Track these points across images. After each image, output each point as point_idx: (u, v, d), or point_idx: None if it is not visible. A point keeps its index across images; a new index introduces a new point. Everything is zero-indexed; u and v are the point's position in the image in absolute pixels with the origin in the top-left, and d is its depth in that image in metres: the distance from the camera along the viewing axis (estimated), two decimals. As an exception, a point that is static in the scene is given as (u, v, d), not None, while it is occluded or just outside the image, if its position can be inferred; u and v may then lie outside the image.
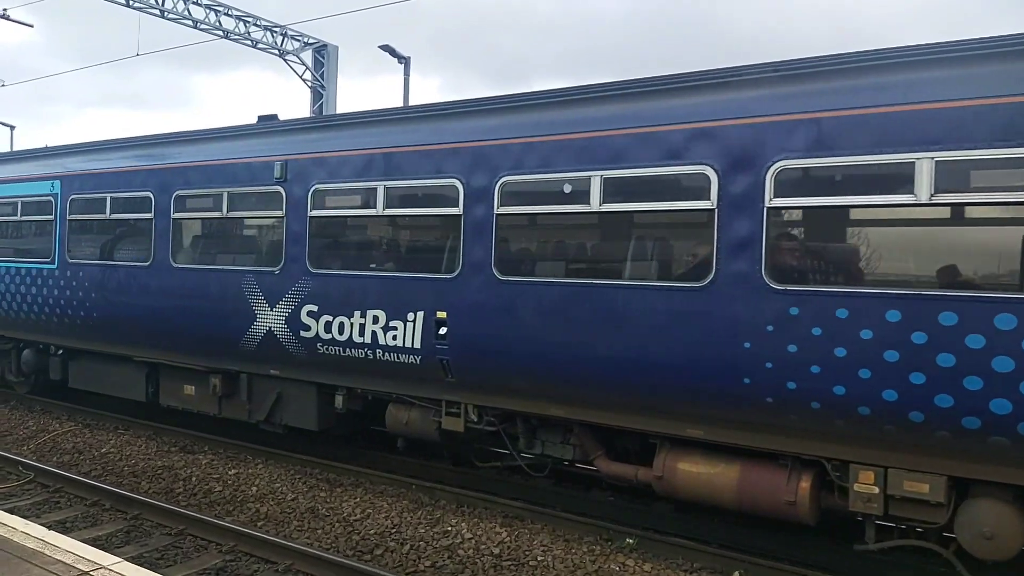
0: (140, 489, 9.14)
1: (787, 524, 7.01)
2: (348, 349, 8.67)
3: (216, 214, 10.16)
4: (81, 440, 11.25)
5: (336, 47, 28.51)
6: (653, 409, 7.01)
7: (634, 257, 7.26)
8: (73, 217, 11.86)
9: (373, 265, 8.90)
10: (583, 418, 7.55)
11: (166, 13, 24.73)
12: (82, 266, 11.56)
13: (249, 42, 26.95)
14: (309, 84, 28.37)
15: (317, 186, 9.04)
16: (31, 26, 26.28)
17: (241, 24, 26.50)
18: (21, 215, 12.79)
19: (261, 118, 10.74)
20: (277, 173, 9.30)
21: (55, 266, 11.98)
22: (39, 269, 12.15)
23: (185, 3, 24.88)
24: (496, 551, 7.26)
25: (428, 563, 7.08)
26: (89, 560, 5.66)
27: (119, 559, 5.83)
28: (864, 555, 7.04)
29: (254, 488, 9.10)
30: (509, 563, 7.03)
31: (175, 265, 10.36)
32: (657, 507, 8.22)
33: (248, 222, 10.30)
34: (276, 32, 27.34)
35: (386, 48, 24.95)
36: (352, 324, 8.60)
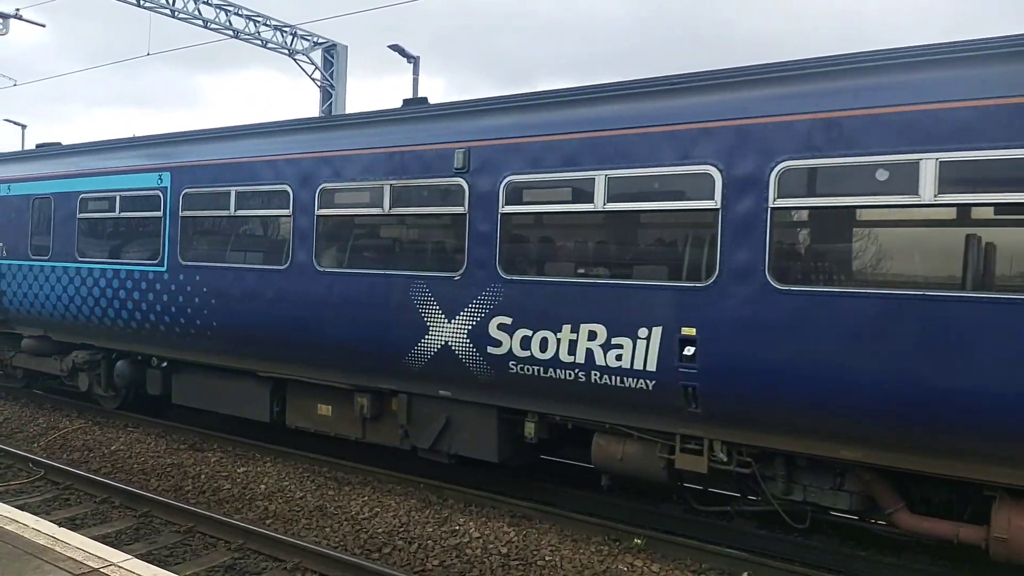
0: (149, 487, 9.18)
1: (794, 528, 7.00)
2: (552, 370, 7.34)
3: (374, 211, 8.77)
4: (91, 438, 11.30)
5: (345, 46, 28.56)
6: (996, 455, 5.62)
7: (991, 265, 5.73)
8: (188, 214, 10.44)
9: (588, 271, 7.61)
10: (891, 464, 6.08)
11: (177, 13, 24.82)
12: (199, 269, 10.17)
13: (259, 42, 27.03)
14: (319, 84, 28.43)
15: (512, 178, 7.67)
16: (43, 26, 26.41)
17: (251, 24, 26.58)
18: (120, 211, 11.30)
19: (408, 102, 9.51)
20: (458, 163, 7.98)
21: (163, 269, 10.57)
22: (143, 272, 10.78)
23: (196, 3, 24.96)
24: (504, 550, 7.26)
25: (436, 562, 7.09)
26: (99, 557, 5.68)
27: (129, 556, 5.85)
28: (872, 557, 7.02)
29: (263, 486, 9.12)
30: (517, 563, 7.03)
31: (320, 269, 9.01)
32: (664, 507, 8.20)
33: (417, 220, 8.88)
34: (286, 32, 27.41)
35: (396, 48, 25.00)
36: (559, 340, 7.27)
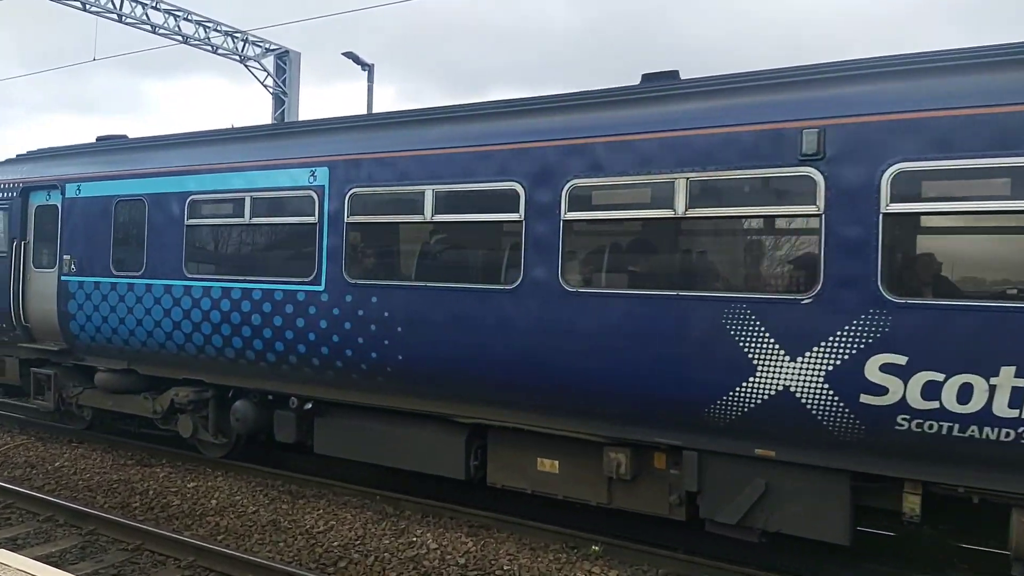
0: (95, 504, 8.90)
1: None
2: (975, 428, 5.48)
3: (661, 213, 6.77)
4: (34, 454, 10.94)
5: (299, 53, 28.26)
6: None
7: None
8: (357, 220, 8.33)
9: None
10: None
11: (124, 17, 24.26)
12: (375, 290, 8.08)
13: (209, 47, 26.58)
14: (271, 90, 28.08)
15: (901, 166, 5.76)
16: (-18, 29, 25.57)
17: (201, 29, 26.12)
18: (251, 217, 9.12)
19: (646, 77, 7.59)
20: (807, 147, 6.06)
21: (321, 288, 8.41)
22: (289, 293, 8.61)
23: (144, 8, 24.46)
24: (462, 561, 7.20)
25: (394, 574, 7.00)
26: (42, 578, 5.48)
27: (73, 576, 5.66)
28: (837, 560, 7.14)
29: (214, 501, 8.92)
30: (475, 572, 6.98)
31: (568, 288, 7.04)
32: (622, 515, 8.24)
33: (732, 224, 6.83)
34: (237, 38, 27.01)
35: (350, 55, 24.80)
36: (993, 388, 5.39)
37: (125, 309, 10.05)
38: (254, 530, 8.05)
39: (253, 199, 9.11)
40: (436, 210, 7.87)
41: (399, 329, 7.93)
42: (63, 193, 10.97)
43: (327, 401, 8.84)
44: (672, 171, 6.63)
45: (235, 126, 10.46)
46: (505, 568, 7.03)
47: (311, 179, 8.64)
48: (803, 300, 6.07)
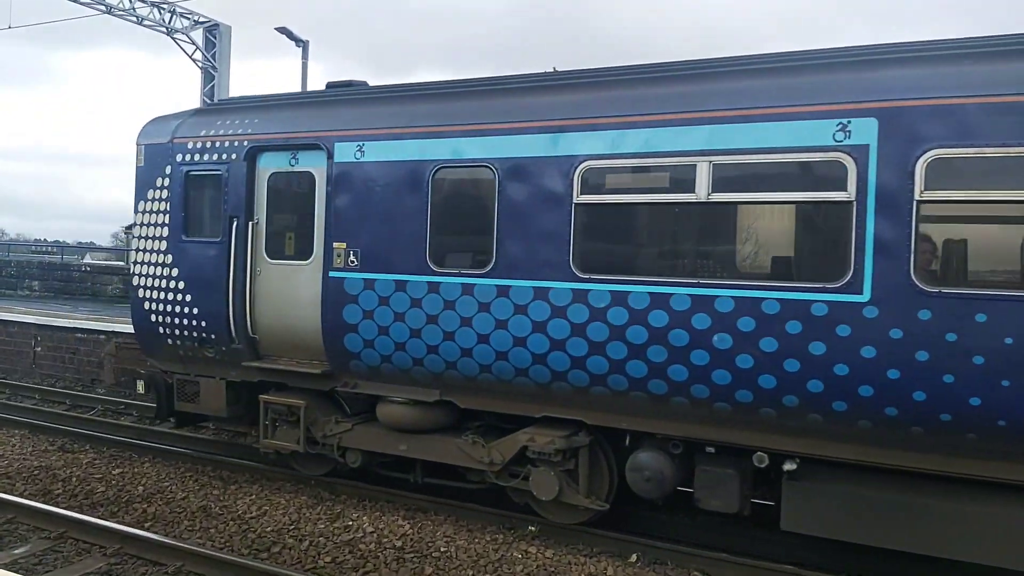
0: (14, 491, 8.53)
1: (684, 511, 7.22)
2: None
3: None
4: (-54, 441, 10.41)
5: (229, 27, 27.37)
6: None
7: None
8: (936, 197, 5.68)
9: None
10: None
11: (41, -17, 23.08)
12: (983, 303, 5.49)
13: (134, 18, 25.52)
14: (200, 64, 27.16)
15: None
16: None
17: (125, 0, 25.05)
18: (709, 191, 6.36)
19: None
20: None
21: (864, 298, 5.83)
22: (798, 303, 6.01)
23: (63, -26, 23.29)
24: (399, 543, 7.18)
25: (328, 559, 6.92)
26: (-45, 570, 5.24)
27: (-10, 567, 5.43)
28: (756, 536, 7.36)
29: (140, 488, 8.65)
30: (412, 555, 6.97)
31: None
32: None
33: None
34: (164, 9, 25.99)
35: (283, 31, 24.15)
36: None
37: (455, 320, 7.30)
38: (183, 516, 7.85)
39: (713, 166, 6.37)
40: None
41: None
42: (331, 155, 7.94)
43: (816, 459, 6.32)
44: None
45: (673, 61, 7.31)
46: (442, 550, 7.04)
47: (841, 135, 5.98)
48: None
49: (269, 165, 8.55)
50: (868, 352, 5.78)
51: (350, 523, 7.63)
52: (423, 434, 7.82)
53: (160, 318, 9.00)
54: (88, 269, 26.66)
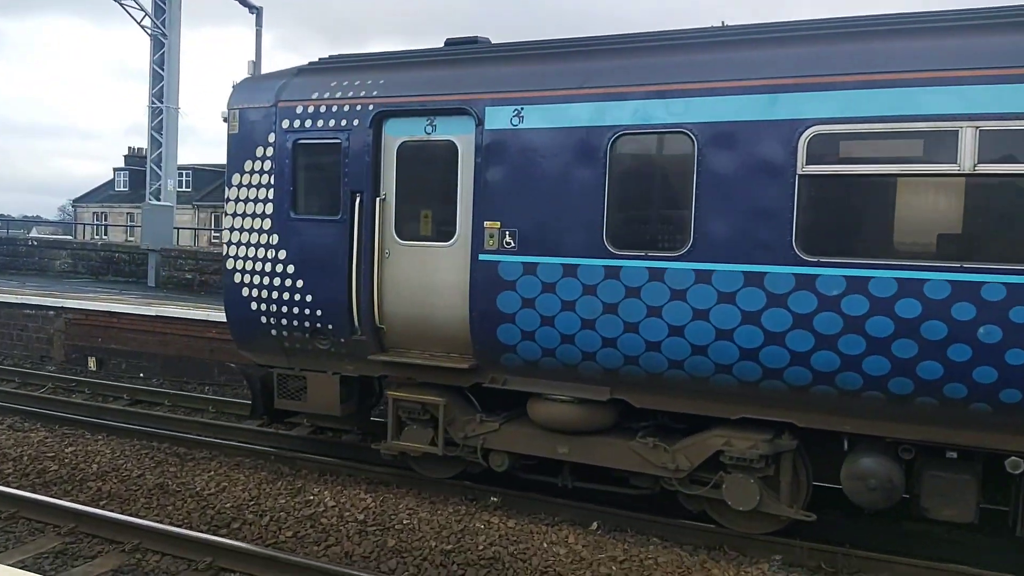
0: (-38, 472, 8.31)
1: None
2: None
3: None
4: None
5: (179, -7, 26.47)
6: None
7: None
8: None
9: None
10: None
11: (-23, -56, 22.02)
12: None
13: (78, -18, 24.53)
14: (149, 32, 26.26)
15: None
16: None
17: (68, -38, 24.05)
18: (976, 162, 5.52)
19: None
20: None
21: None
22: None
23: (0, -66, 22.25)
24: (361, 517, 7.16)
25: (290, 533, 6.88)
26: (-99, 552, 5.08)
27: (-62, 549, 5.28)
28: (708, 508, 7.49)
29: (95, 466, 8.47)
30: (374, 528, 6.95)
31: None
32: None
33: None
34: (109, -27, 24.99)
35: (236, -3, 23.45)
36: None
37: (640, 310, 6.50)
38: (140, 494, 7.71)
39: (981, 132, 5.53)
40: None
41: None
42: (480, 121, 6.99)
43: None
44: None
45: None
46: (405, 522, 7.03)
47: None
48: None
49: (399, 133, 7.50)
50: None
51: (311, 497, 7.58)
52: (587, 436, 7.04)
53: (262, 306, 7.95)
54: (35, 243, 25.84)
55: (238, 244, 8.21)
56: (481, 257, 7.05)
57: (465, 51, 7.69)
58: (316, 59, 8.52)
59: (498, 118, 6.96)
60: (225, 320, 8.73)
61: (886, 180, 5.91)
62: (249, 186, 8.15)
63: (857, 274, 5.79)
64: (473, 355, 7.29)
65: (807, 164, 5.97)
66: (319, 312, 7.79)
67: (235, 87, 8.49)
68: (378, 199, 7.52)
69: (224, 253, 8.38)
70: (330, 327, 7.76)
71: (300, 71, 8.22)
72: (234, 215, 8.25)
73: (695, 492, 6.80)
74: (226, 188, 8.37)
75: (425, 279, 7.42)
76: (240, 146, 8.18)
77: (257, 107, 8.11)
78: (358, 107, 7.56)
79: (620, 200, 6.61)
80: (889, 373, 5.79)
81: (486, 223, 7.02)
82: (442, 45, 8.07)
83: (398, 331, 7.61)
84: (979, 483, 6.09)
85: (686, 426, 6.90)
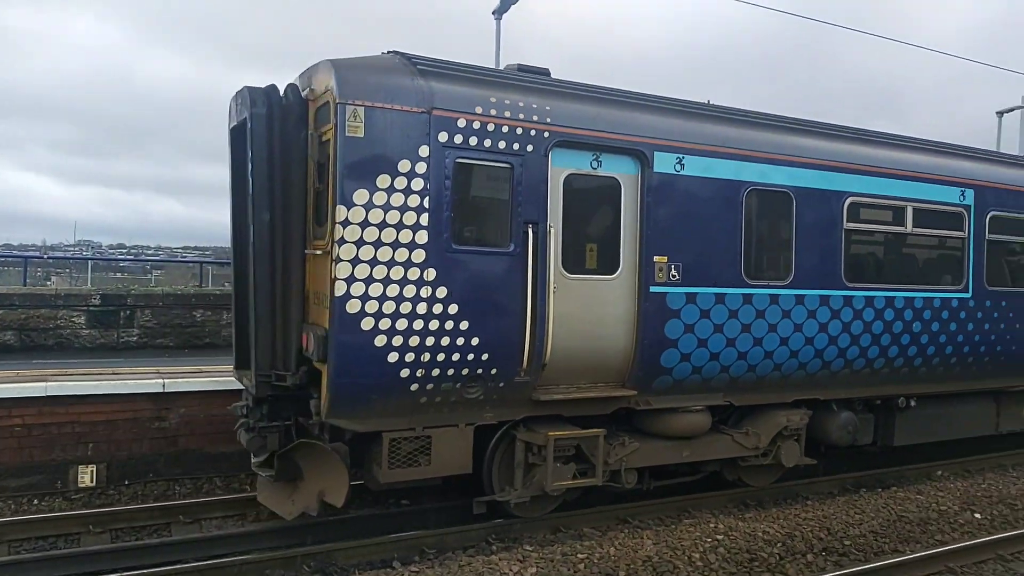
0: None
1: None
2: None
3: None
4: None
5: None
6: None
7: None
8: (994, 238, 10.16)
9: None
10: None
11: None
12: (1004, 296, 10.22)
13: None
14: None
15: None
16: None
17: None
18: (912, 226, 9.37)
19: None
20: None
21: (968, 295, 9.80)
22: (943, 300, 9.65)
23: None
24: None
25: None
26: None
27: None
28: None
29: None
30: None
31: None
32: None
33: None
34: None
35: None
36: None
37: (764, 327, 8.22)
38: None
39: (915, 209, 9.36)
40: None
41: (1018, 325, 10.38)
42: (648, 164, 7.53)
43: (924, 395, 9.95)
44: None
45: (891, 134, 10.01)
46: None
47: (960, 197, 9.80)
48: None
49: (565, 164, 7.29)
50: (969, 326, 9.93)
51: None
52: (700, 437, 8.22)
53: (407, 356, 6.54)
54: None
55: (368, 281, 6.38)
56: (652, 289, 7.63)
57: (634, 96, 8.03)
58: (427, 59, 7.07)
59: (664, 163, 7.72)
60: (328, 384, 6.43)
61: (881, 233, 9.47)
62: (388, 208, 6.44)
63: (870, 294, 9.08)
64: (628, 381, 7.70)
65: (847, 222, 8.87)
66: (485, 356, 6.87)
67: (340, 71, 6.46)
68: (551, 230, 7.17)
69: (337, 293, 6.32)
70: (493, 371, 6.96)
71: (446, 75, 6.94)
72: (359, 243, 6.36)
73: (765, 463, 8.79)
74: (338, 207, 6.32)
75: (590, 312, 7.46)
76: (370, 155, 6.43)
77: (400, 109, 6.51)
78: (532, 132, 7.06)
79: (750, 240, 8.26)
80: (877, 355, 9.17)
81: (655, 257, 7.64)
82: (516, 70, 7.81)
83: (557, 367, 7.30)
84: (875, 420, 9.96)
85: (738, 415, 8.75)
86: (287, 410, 7.34)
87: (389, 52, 7.25)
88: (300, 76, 7.41)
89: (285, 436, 7.32)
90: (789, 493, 9.33)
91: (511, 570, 6.35)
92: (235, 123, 7.47)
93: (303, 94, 7.02)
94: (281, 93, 7.07)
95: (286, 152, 6.89)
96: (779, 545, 7.27)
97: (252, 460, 7.63)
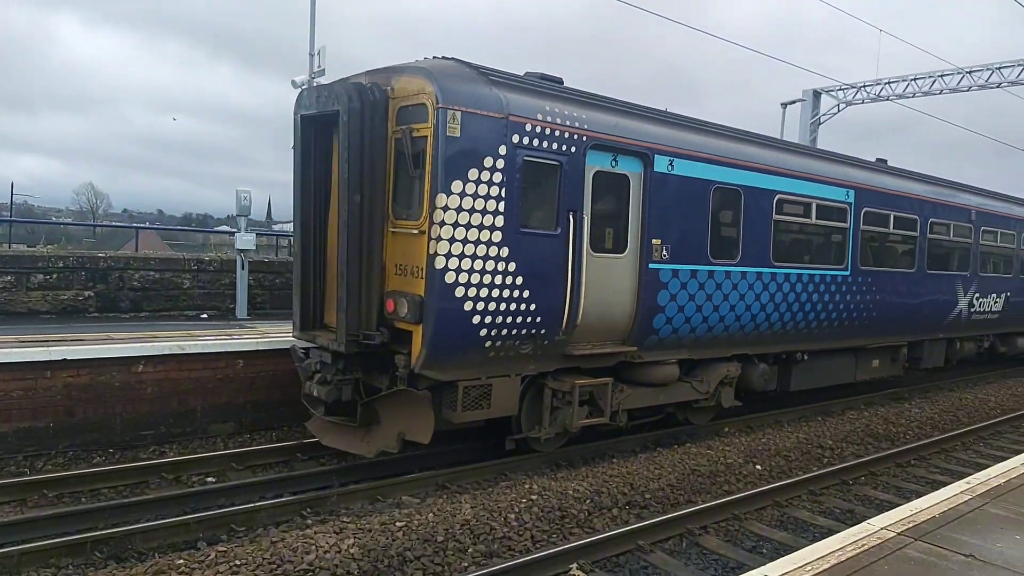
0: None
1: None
2: None
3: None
4: None
5: None
6: None
7: None
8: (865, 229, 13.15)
9: None
10: None
11: None
12: (871, 273, 13.26)
13: None
14: None
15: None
16: None
17: None
18: (816, 218, 12.13)
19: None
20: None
21: (848, 273, 12.63)
22: (832, 276, 12.40)
23: None
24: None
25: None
26: None
27: None
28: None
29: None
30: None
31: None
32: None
33: None
34: None
35: None
36: None
37: (722, 298, 10.45)
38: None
39: (817, 205, 12.03)
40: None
41: (878, 296, 13.46)
42: (650, 164, 9.47)
43: (813, 351, 12.62)
44: None
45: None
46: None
47: (846, 196, 12.56)
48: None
49: (595, 163, 8.93)
50: (848, 297, 12.79)
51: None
52: (670, 385, 10.28)
53: (487, 318, 8.02)
54: None
55: (462, 256, 7.72)
56: (650, 266, 9.53)
57: (641, 108, 9.85)
58: (487, 68, 8.31)
59: (661, 164, 9.60)
60: (425, 341, 7.68)
61: (795, 223, 11.85)
62: (476, 196, 7.78)
63: (792, 271, 11.64)
64: (630, 340, 9.56)
65: (775, 214, 11.28)
66: (539, 319, 8.43)
67: (441, 79, 7.65)
68: (584, 218, 8.80)
69: (435, 267, 7.59)
70: (543, 331, 8.54)
71: (508, 85, 8.27)
72: (455, 225, 7.67)
73: (709, 405, 11.12)
74: (438, 195, 7.55)
75: (607, 283, 9.19)
76: (464, 151, 7.73)
77: (487, 115, 7.85)
78: (575, 136, 8.64)
79: (715, 227, 10.36)
80: (787, 319, 11.72)
81: (653, 240, 9.52)
82: (539, 79, 9.28)
83: (584, 328, 8.97)
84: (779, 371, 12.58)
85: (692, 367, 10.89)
86: (356, 367, 8.51)
87: (450, 59, 8.47)
88: (370, 74, 8.47)
89: (354, 389, 8.50)
90: (597, 452, 10.07)
91: (327, 543, 6.25)
92: (313, 111, 8.40)
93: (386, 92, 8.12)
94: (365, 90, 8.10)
95: (374, 143, 7.99)
96: (588, 502, 7.77)
97: (315, 413, 8.74)
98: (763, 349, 11.66)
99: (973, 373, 18.73)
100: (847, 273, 12.72)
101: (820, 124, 33.28)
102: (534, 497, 7.62)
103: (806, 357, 12.53)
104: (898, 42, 52.20)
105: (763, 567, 4.73)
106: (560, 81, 9.34)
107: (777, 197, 11.26)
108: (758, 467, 9.56)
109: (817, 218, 12.10)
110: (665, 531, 7.29)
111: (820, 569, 4.70)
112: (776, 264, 11.30)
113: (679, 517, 7.51)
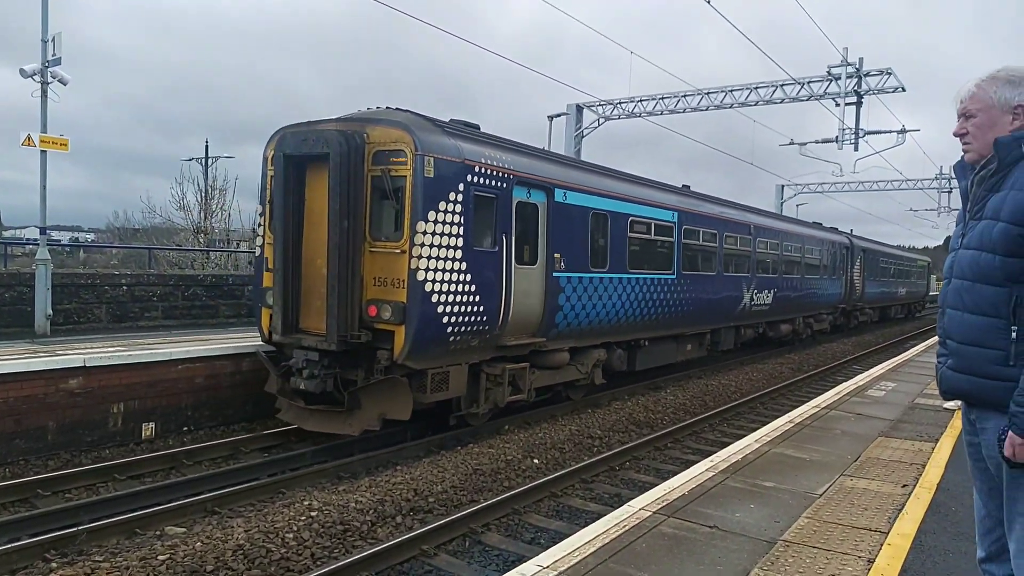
0: None
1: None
2: None
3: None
4: None
5: None
6: None
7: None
8: (687, 242, 17.04)
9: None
10: None
11: None
12: (689, 276, 16.99)
13: None
14: None
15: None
16: None
17: None
18: (653, 234, 15.56)
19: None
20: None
21: (674, 277, 16.32)
22: (662, 279, 15.81)
23: None
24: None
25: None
26: None
27: None
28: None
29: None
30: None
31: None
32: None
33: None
34: None
35: None
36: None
37: (597, 298, 13.33)
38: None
39: (655, 224, 15.54)
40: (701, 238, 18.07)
41: (702, 297, 17.60)
42: (551, 195, 12.22)
43: (651, 338, 15.71)
44: None
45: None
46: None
47: (672, 217, 16.23)
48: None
49: (518, 195, 11.44)
50: (676, 296, 16.30)
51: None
52: (562, 368, 12.87)
53: (452, 319, 10.19)
54: None
55: (435, 271, 9.88)
56: (554, 274, 12.21)
57: (546, 153, 13.58)
58: (446, 120, 10.60)
59: (560, 195, 12.40)
60: (407, 338, 9.70)
61: (642, 238, 15.10)
62: (444, 223, 9.96)
63: (641, 277, 14.84)
64: (538, 333, 12.14)
65: (629, 232, 14.44)
66: (485, 318, 10.73)
67: (417, 131, 9.76)
68: (512, 238, 11.26)
69: (414, 279, 9.67)
70: (487, 327, 10.84)
71: (457, 134, 10.60)
72: (430, 246, 9.80)
73: (585, 383, 13.97)
74: (418, 222, 9.67)
75: (525, 289, 11.63)
76: (435, 188, 9.91)
77: (450, 160, 10.09)
78: (505, 175, 11.11)
79: (593, 244, 13.27)
80: (635, 314, 14.97)
81: (555, 254, 12.22)
82: (462, 126, 11.65)
83: (513, 324, 11.38)
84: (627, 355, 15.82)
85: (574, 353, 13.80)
86: (336, 363, 10.31)
87: (397, 108, 10.57)
88: (344, 122, 10.33)
89: (333, 381, 10.30)
90: (381, 461, 9.98)
91: (76, 589, 5.62)
92: (296, 153, 10.11)
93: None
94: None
95: (356, 180, 9.88)
96: (371, 512, 7.56)
97: (299, 404, 10.41)
98: (620, 337, 14.67)
99: (738, 356, 23.19)
100: (674, 277, 16.24)
101: (584, 137, 34.35)
102: (314, 513, 7.34)
103: (646, 343, 15.81)
104: (647, 64, 57.82)
105: (536, 558, 4.78)
106: (477, 127, 11.72)
107: (630, 219, 14.52)
108: (536, 461, 9.99)
109: (655, 235, 15.54)
110: (449, 533, 7.32)
111: (587, 553, 4.85)
112: (631, 271, 14.48)
113: (462, 518, 7.56)
